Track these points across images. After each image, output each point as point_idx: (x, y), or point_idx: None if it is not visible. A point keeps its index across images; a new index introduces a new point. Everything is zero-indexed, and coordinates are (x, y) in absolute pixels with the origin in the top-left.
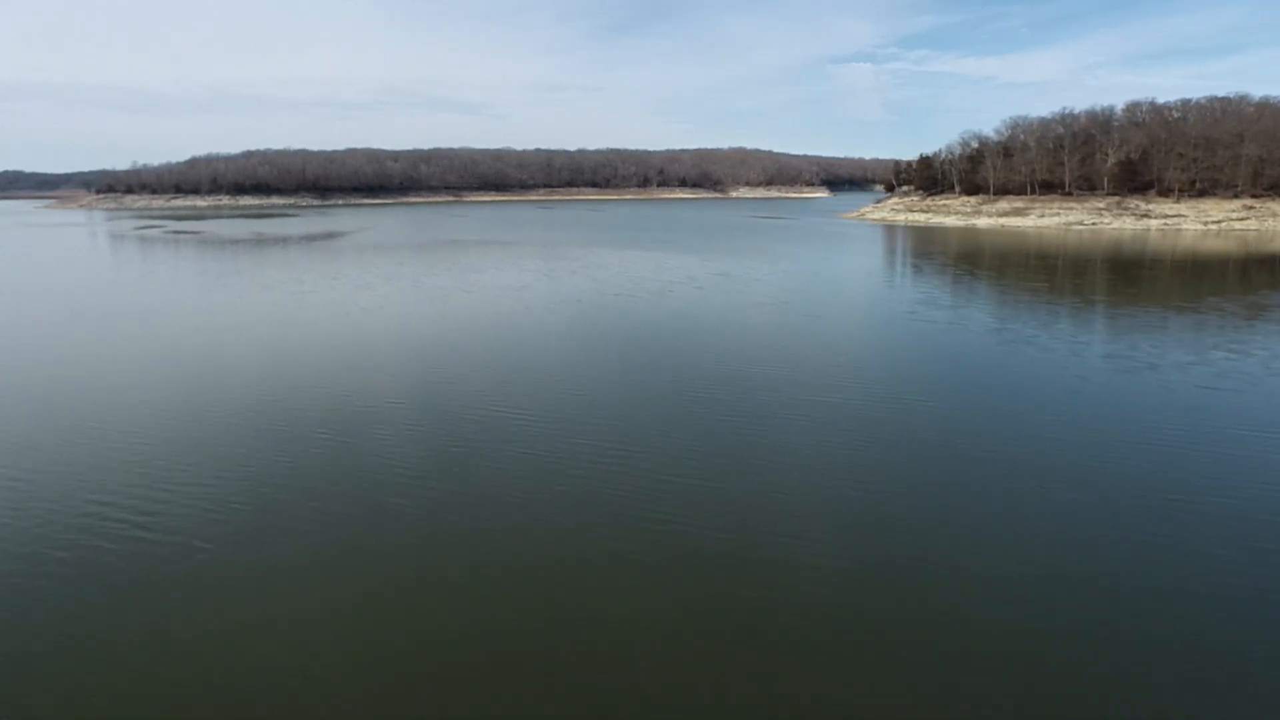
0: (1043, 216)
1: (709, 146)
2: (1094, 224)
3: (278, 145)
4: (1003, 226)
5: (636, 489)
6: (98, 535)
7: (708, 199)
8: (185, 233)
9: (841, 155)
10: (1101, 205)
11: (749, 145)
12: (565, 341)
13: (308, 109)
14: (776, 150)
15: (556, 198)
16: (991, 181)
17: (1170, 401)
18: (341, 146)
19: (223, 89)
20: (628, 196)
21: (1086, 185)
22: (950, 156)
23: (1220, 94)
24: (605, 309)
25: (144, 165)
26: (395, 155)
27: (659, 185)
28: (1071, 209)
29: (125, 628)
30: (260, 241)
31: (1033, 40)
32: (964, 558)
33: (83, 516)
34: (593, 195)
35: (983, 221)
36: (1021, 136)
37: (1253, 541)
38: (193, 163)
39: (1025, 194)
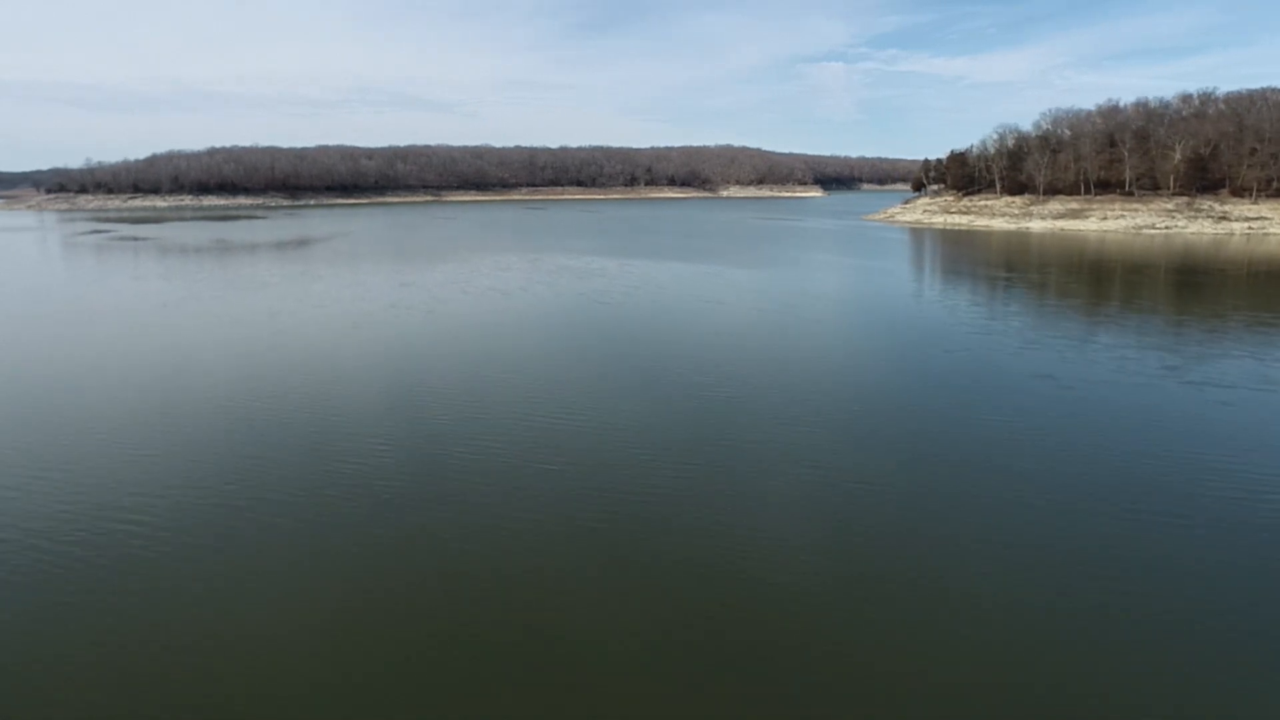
0: (1105, 219)
1: (689, 144)
2: (1166, 227)
3: (245, 144)
4: (1061, 230)
5: None
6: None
7: (698, 198)
8: (139, 239)
9: (826, 154)
10: (1170, 206)
11: (728, 143)
12: (693, 420)
13: (275, 107)
14: (763, 149)
15: (540, 197)
16: (1040, 180)
17: None
18: (312, 144)
19: (187, 85)
20: (614, 196)
21: (1149, 184)
22: (986, 153)
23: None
24: (727, 361)
25: (99, 163)
26: (370, 153)
27: (646, 184)
28: (1136, 210)
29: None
30: (223, 249)
31: (1000, 40)
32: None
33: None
34: (578, 194)
35: (1036, 225)
36: (1066, 131)
37: None
38: (152, 160)
39: (1078, 194)
